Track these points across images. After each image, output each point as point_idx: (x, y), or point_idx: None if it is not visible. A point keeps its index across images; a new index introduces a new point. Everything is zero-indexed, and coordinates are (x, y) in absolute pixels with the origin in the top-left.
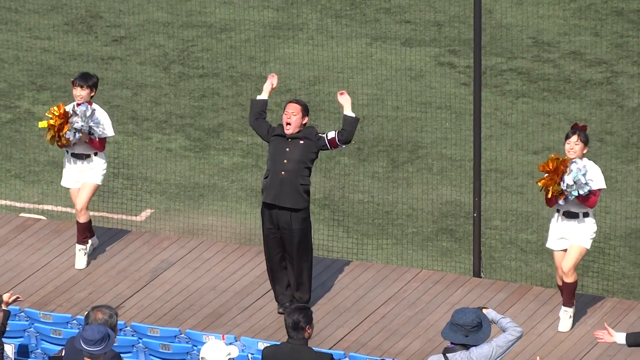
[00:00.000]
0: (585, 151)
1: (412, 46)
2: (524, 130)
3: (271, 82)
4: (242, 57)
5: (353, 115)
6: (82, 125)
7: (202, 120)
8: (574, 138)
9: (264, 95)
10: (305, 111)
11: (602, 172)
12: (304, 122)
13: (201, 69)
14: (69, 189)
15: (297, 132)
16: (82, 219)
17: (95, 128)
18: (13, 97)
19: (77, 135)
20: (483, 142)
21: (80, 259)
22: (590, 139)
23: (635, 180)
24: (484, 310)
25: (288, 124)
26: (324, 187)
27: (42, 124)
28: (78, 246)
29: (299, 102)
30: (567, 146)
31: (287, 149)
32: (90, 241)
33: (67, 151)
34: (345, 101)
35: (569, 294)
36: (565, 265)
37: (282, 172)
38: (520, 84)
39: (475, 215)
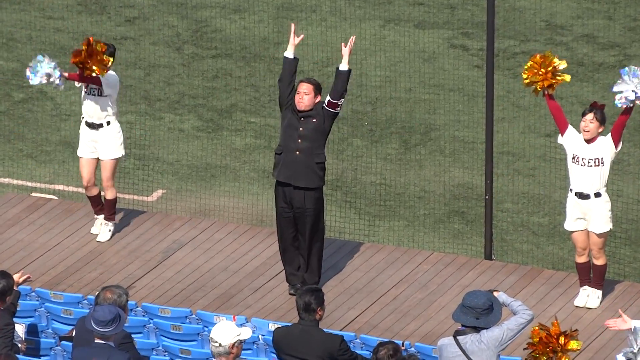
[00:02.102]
0: (600, 130)
1: (424, 28)
2: (536, 113)
3: (294, 34)
4: (255, 38)
5: (345, 69)
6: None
7: (214, 100)
8: (590, 116)
9: (290, 52)
10: (318, 90)
11: (615, 155)
12: (316, 100)
13: (214, 50)
14: (80, 158)
15: (310, 111)
16: (110, 195)
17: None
18: (26, 77)
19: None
20: (495, 124)
21: (105, 233)
22: (606, 122)
23: None
24: (495, 293)
25: (301, 99)
26: (337, 168)
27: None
28: (105, 222)
29: (311, 81)
30: (582, 124)
31: (301, 128)
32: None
33: (82, 119)
34: (345, 53)
35: (599, 276)
36: (593, 250)
37: (297, 152)
38: None
39: (487, 197)
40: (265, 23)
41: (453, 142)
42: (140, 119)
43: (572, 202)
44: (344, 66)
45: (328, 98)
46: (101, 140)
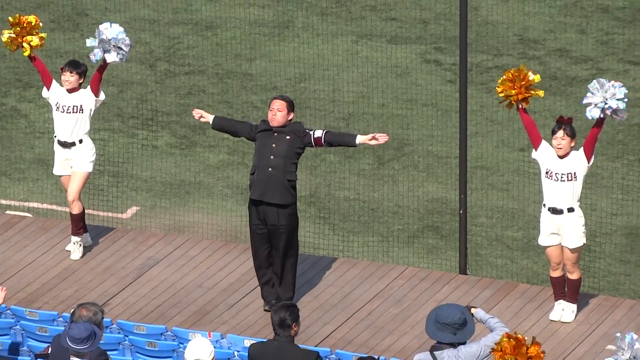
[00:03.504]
0: (573, 144)
1: (398, 43)
2: (510, 127)
3: (197, 115)
4: (228, 54)
5: (357, 143)
6: (106, 46)
7: (188, 117)
8: (560, 133)
9: (209, 118)
10: (291, 107)
11: (587, 167)
12: (289, 118)
13: (187, 67)
14: (60, 177)
15: (284, 127)
16: (75, 210)
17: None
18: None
19: (99, 55)
20: (469, 139)
21: (76, 251)
22: (576, 137)
23: (621, 177)
24: (473, 310)
25: (274, 116)
26: (310, 184)
27: (4, 38)
28: (73, 238)
29: (284, 98)
30: (554, 142)
31: (274, 145)
32: (84, 235)
33: (55, 137)
34: (368, 140)
35: (573, 290)
36: (567, 265)
37: (269, 169)
38: None
39: (461, 212)
40: (238, 39)
41: (427, 157)
42: (113, 136)
43: (545, 218)
44: (357, 141)
45: (319, 135)
46: (74, 157)
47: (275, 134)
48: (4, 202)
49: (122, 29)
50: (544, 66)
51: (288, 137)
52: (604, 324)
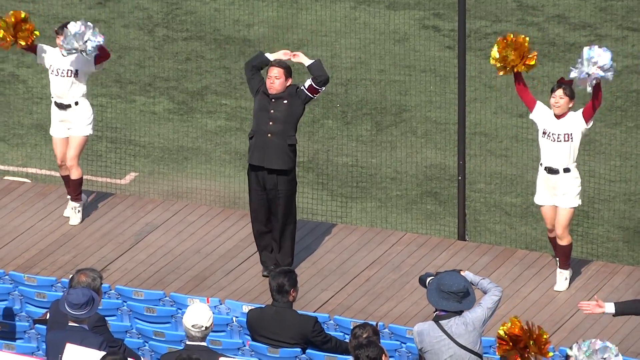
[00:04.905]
0: (570, 105)
1: (396, 9)
2: (509, 93)
3: (286, 54)
4: (226, 20)
5: (312, 61)
6: (75, 46)
7: (186, 83)
8: (559, 92)
9: (270, 56)
10: (289, 73)
11: (586, 135)
12: (287, 84)
13: (186, 32)
14: (53, 137)
15: (281, 93)
16: (75, 175)
17: (90, 46)
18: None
19: (69, 53)
20: (467, 105)
21: (75, 216)
22: (575, 103)
23: (620, 144)
24: (462, 273)
25: (272, 84)
26: (309, 150)
27: None
28: (72, 203)
29: (282, 65)
30: (552, 100)
31: (272, 110)
32: (83, 198)
33: (52, 99)
34: (301, 59)
35: (564, 256)
36: (558, 229)
37: (268, 135)
38: None
39: (459, 178)
40: (237, 5)
41: (425, 123)
42: (112, 102)
43: (542, 177)
44: (307, 62)
45: (310, 83)
46: (71, 119)
47: (273, 100)
48: (2, 167)
49: (75, 31)
50: (543, 32)
51: (285, 102)
52: (603, 290)
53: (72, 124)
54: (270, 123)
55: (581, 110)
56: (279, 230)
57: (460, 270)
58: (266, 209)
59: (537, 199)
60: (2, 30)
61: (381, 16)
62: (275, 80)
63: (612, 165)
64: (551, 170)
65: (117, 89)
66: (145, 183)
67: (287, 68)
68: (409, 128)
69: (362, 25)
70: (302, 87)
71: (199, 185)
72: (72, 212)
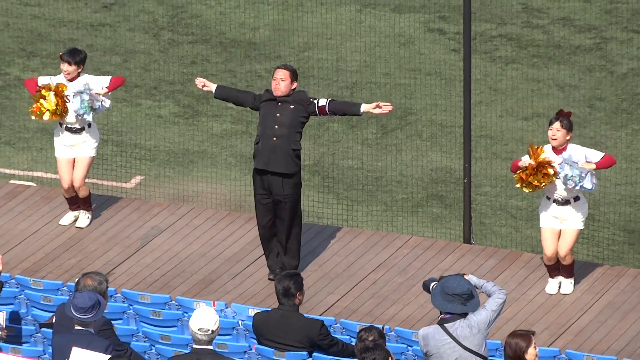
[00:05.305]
0: (568, 138)
1: (401, 12)
2: (514, 96)
3: (199, 84)
4: (232, 23)
5: (361, 111)
6: (83, 107)
7: (192, 86)
8: (557, 124)
9: (212, 87)
10: (294, 76)
11: (592, 138)
12: (293, 87)
13: (191, 36)
14: (58, 159)
15: (287, 96)
16: (83, 193)
17: (95, 102)
18: (3, 64)
19: (79, 114)
20: (473, 108)
21: (84, 219)
22: (580, 106)
23: (625, 146)
24: (465, 277)
25: (277, 85)
26: (315, 153)
27: (42, 108)
28: (83, 211)
29: (287, 67)
30: (549, 132)
31: (278, 114)
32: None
33: (60, 124)
34: (372, 109)
35: (568, 271)
36: (562, 249)
37: (274, 138)
38: (510, 50)
39: (465, 181)
40: (242, 8)
41: (431, 126)
42: (117, 106)
43: (549, 207)
44: (362, 109)
45: (323, 104)
46: (82, 141)
47: (279, 103)
48: (8, 171)
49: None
50: (548, 35)
51: (292, 107)
52: (608, 293)
53: (81, 146)
54: (276, 126)
55: (588, 149)
56: (284, 233)
57: (464, 274)
58: (271, 213)
59: (544, 222)
60: (48, 112)
61: (386, 19)
62: (280, 82)
63: (618, 167)
64: (561, 202)
65: (122, 93)
66: (151, 187)
67: (293, 71)
68: (415, 131)
69: (367, 29)
70: (315, 102)
71: (205, 188)
72: (82, 215)
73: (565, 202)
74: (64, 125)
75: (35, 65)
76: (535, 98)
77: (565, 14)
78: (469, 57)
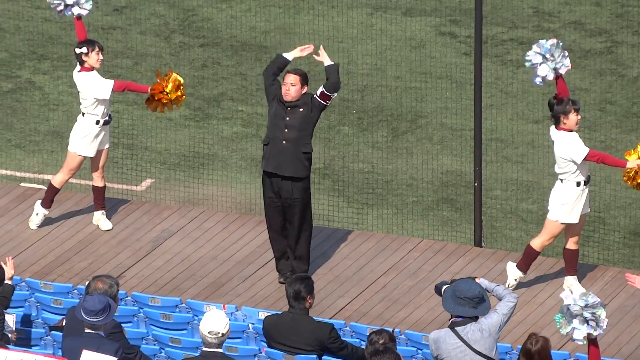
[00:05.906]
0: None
1: (413, 16)
2: (525, 99)
3: (303, 50)
4: (243, 26)
5: (332, 63)
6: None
7: (202, 89)
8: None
9: (289, 55)
10: (305, 81)
11: (603, 142)
12: (303, 91)
13: (202, 39)
14: (87, 157)
15: (297, 101)
16: (102, 183)
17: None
18: (14, 67)
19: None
20: (484, 111)
21: (105, 222)
22: (591, 109)
23: None
24: (477, 280)
25: (288, 91)
26: (325, 156)
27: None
28: (99, 212)
29: (298, 72)
30: (578, 117)
31: (288, 118)
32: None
33: (98, 121)
34: (322, 57)
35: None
36: (577, 234)
37: (284, 142)
38: (521, 54)
39: (476, 184)
40: (253, 12)
41: (441, 129)
42: (128, 109)
43: (580, 193)
44: (327, 62)
45: (321, 90)
46: (106, 132)
47: (289, 107)
48: (18, 174)
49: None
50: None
51: (301, 110)
52: (619, 296)
53: (106, 135)
54: (286, 130)
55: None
56: (294, 237)
57: (475, 277)
58: (281, 216)
59: (574, 217)
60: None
61: (397, 23)
62: (291, 87)
63: None
64: (588, 181)
65: (133, 96)
66: (162, 190)
67: (304, 75)
68: (425, 134)
69: (378, 32)
70: (315, 96)
71: (215, 191)
72: (103, 217)
73: (589, 180)
74: (104, 119)
75: (46, 68)
76: (546, 101)
77: (576, 18)
78: (480, 61)
